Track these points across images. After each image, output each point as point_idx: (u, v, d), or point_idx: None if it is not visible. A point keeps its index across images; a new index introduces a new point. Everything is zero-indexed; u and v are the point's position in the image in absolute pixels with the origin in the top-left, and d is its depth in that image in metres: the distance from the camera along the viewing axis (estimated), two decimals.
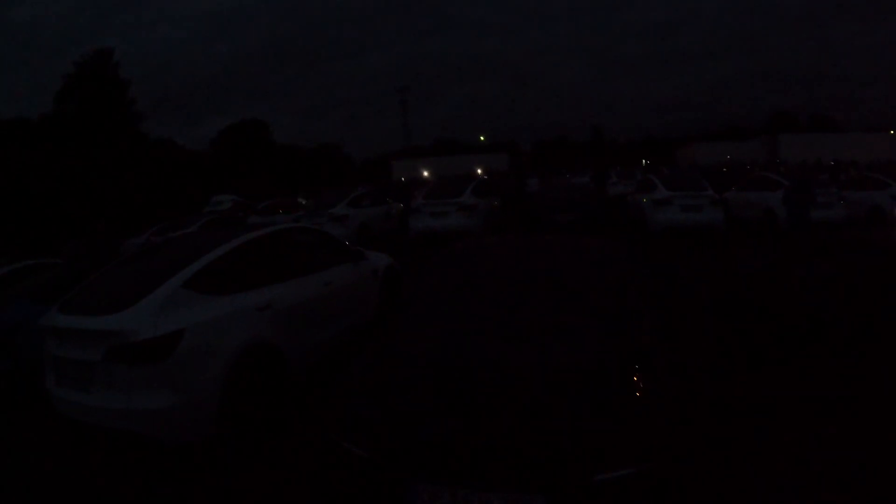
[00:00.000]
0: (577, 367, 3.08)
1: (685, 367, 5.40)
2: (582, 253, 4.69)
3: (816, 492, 3.59)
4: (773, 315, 6.22)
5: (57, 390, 4.61)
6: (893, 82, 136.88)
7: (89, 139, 41.52)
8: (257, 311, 4.99)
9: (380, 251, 8.22)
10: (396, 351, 3.60)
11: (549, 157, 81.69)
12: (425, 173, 54.90)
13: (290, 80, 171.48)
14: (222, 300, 4.79)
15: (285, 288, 5.46)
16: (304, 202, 28.07)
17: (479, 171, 47.75)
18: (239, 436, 4.53)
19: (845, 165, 29.53)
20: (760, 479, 3.76)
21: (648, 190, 15.77)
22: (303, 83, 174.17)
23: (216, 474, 4.26)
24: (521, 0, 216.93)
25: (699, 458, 3.78)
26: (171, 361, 4.21)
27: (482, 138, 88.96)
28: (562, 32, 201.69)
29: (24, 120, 43.44)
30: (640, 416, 2.79)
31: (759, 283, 6.81)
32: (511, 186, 25.55)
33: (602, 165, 39.93)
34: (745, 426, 4.40)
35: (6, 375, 6.08)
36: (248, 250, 5.41)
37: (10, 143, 37.26)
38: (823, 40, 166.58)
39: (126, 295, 4.52)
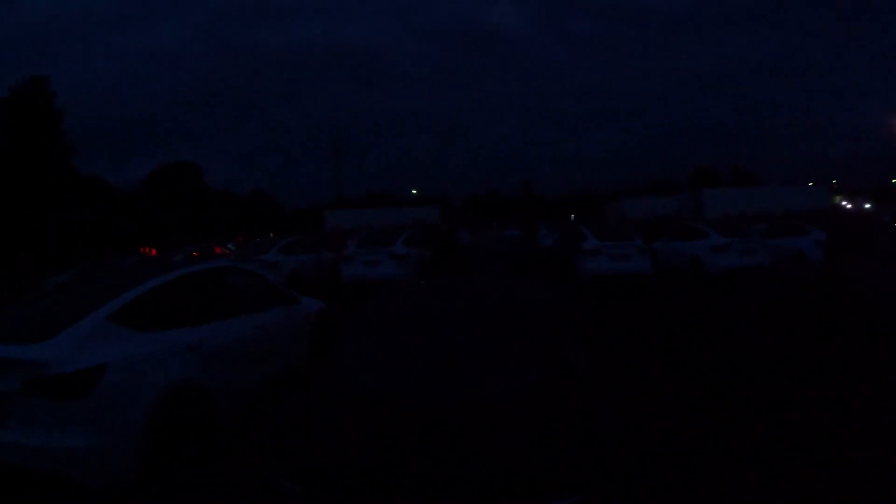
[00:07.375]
0: (516, 397, 3.08)
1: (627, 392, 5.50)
2: (510, 292, 4.77)
3: None
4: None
5: None
6: (808, 138, 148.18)
7: (19, 168, 39.59)
8: (186, 350, 4.81)
9: (312, 298, 8.13)
10: (331, 388, 3.51)
11: (481, 211, 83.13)
12: None
13: (224, 125, 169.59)
14: (150, 337, 4.60)
15: (216, 328, 5.29)
16: (232, 248, 27.48)
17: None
18: (166, 479, 4.27)
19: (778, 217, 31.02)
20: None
21: (578, 240, 16.22)
22: (235, 129, 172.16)
23: None
24: (454, 59, 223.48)
25: (650, 483, 3.78)
26: (92, 398, 3.97)
27: (414, 192, 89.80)
28: (492, 91, 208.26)
29: None
30: (584, 442, 2.79)
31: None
32: (443, 237, 25.81)
33: (532, 218, 40.86)
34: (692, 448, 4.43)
35: None
36: (180, 287, 5.25)
37: None
38: (742, 99, 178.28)
39: (48, 325, 4.27)
